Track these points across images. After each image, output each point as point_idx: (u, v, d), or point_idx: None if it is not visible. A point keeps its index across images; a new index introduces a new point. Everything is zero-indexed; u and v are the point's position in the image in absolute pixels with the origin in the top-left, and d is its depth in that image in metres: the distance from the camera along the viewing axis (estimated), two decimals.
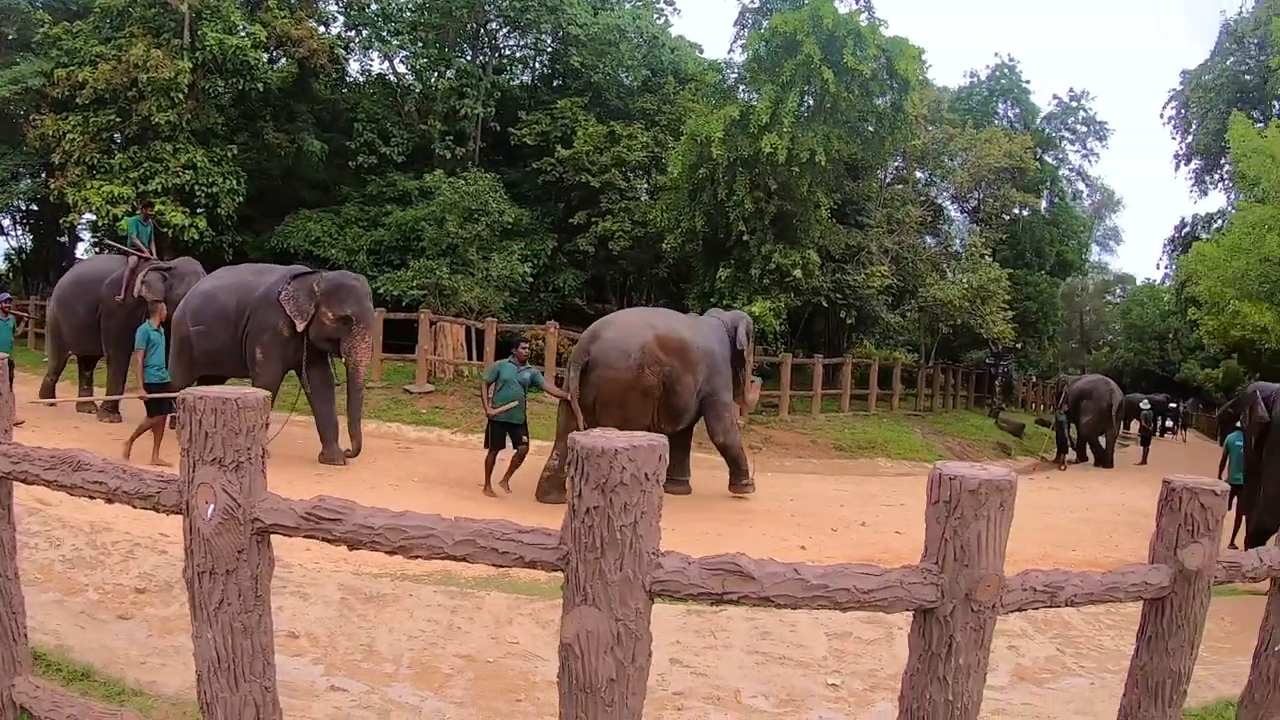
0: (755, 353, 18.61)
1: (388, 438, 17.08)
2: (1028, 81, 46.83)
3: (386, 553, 2.94)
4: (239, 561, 2.97)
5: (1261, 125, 29.62)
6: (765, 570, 2.91)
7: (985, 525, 3.04)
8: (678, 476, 14.81)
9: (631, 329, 14.00)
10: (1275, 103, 36.04)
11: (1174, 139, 44.26)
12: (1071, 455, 28.87)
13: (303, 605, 6.65)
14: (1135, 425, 34.52)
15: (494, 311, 24.63)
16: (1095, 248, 72.70)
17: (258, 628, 3.05)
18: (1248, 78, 38.29)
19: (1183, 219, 46.48)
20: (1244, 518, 12.79)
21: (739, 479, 15.39)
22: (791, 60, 24.35)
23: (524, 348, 14.01)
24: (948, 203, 39.49)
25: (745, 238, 25.62)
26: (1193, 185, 43.62)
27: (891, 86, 26.23)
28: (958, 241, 39.48)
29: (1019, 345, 40.79)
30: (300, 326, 14.06)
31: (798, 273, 25.15)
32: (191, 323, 14.38)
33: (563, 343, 21.83)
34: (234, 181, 27.17)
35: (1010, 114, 46.60)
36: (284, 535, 3.02)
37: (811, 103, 25.48)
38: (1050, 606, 3.54)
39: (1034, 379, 51.10)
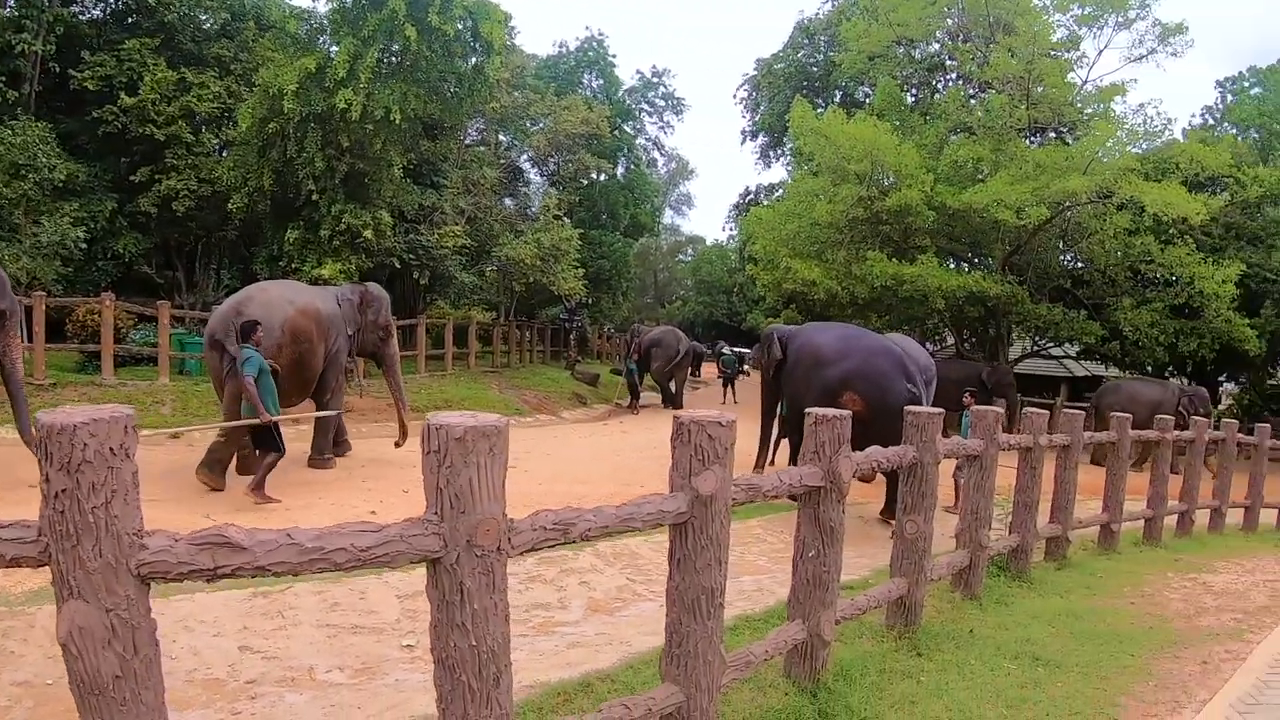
0: None
1: None
2: (614, 56, 48.99)
3: None
4: None
5: (822, 110, 32.58)
6: (256, 539, 2.78)
7: (477, 471, 3.08)
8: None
9: (274, 306, 13.51)
10: (837, 92, 39.68)
11: (744, 116, 47.39)
12: (644, 399, 30.72)
13: None
14: (708, 370, 37.39)
15: (45, 284, 21.70)
16: (669, 211, 77.21)
17: None
18: (814, 69, 41.74)
19: (747, 188, 50.40)
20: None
21: (322, 452, 15.01)
22: (376, 14, 23.44)
23: (259, 330, 12.13)
24: (528, 166, 40.26)
25: (315, 197, 24.54)
26: (758, 158, 47.24)
27: (475, 49, 26.02)
28: (536, 203, 40.56)
29: (593, 301, 42.62)
30: None
31: (369, 234, 24.50)
32: None
33: (120, 316, 19.92)
34: None
35: (595, 85, 48.16)
36: None
37: (395, 60, 24.78)
38: (564, 543, 3.64)
39: (610, 332, 53.05)
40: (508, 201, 35.24)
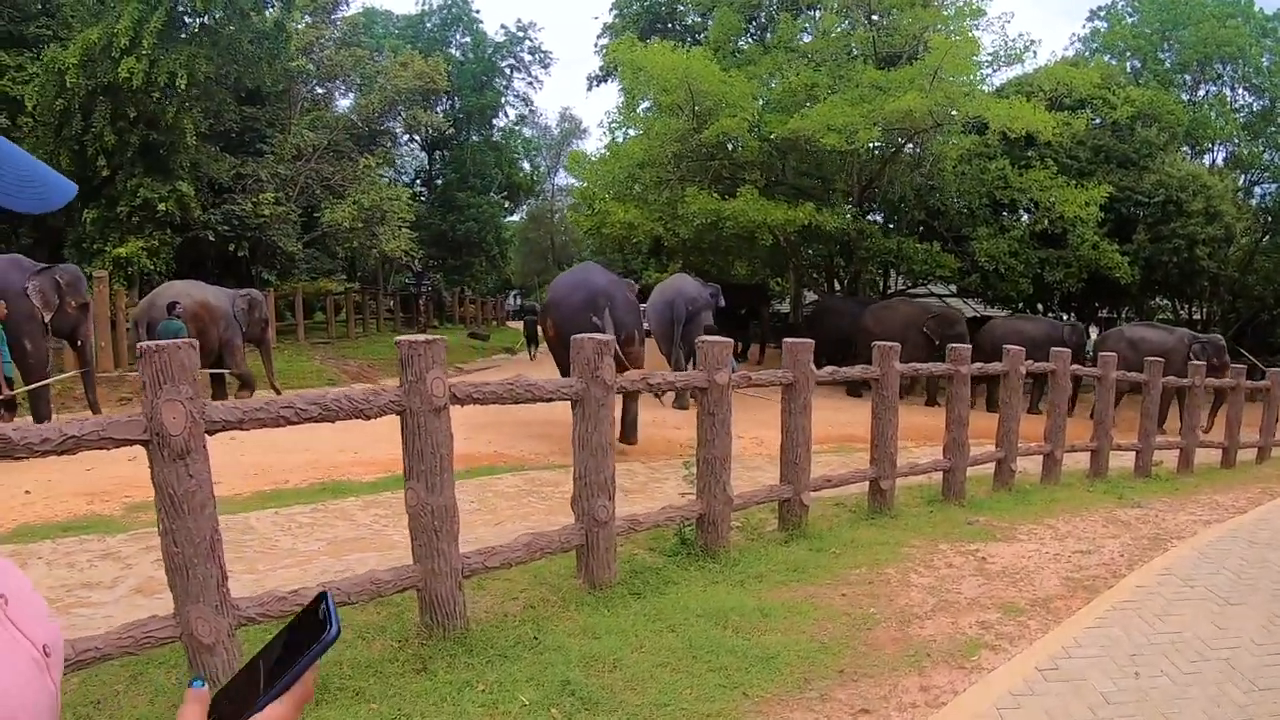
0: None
1: None
2: (478, 11, 47.50)
3: None
4: None
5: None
6: None
7: None
8: None
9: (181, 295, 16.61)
10: (688, 35, 38.25)
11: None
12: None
13: None
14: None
15: None
16: (563, 173, 75.63)
17: None
18: (661, 7, 40.06)
19: (614, 139, 48.48)
20: None
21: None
22: None
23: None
24: (398, 127, 38.65)
25: (108, 173, 23.26)
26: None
27: (272, 3, 24.56)
28: (410, 166, 39.28)
29: (459, 264, 42.30)
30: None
31: (164, 206, 23.08)
32: None
33: None
34: None
35: (463, 42, 46.75)
36: None
37: (193, 22, 23.48)
38: None
39: (503, 296, 52.00)
40: (386, 171, 33.23)
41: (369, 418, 5.07)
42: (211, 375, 17.61)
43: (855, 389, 23.16)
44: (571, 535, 6.23)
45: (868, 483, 9.45)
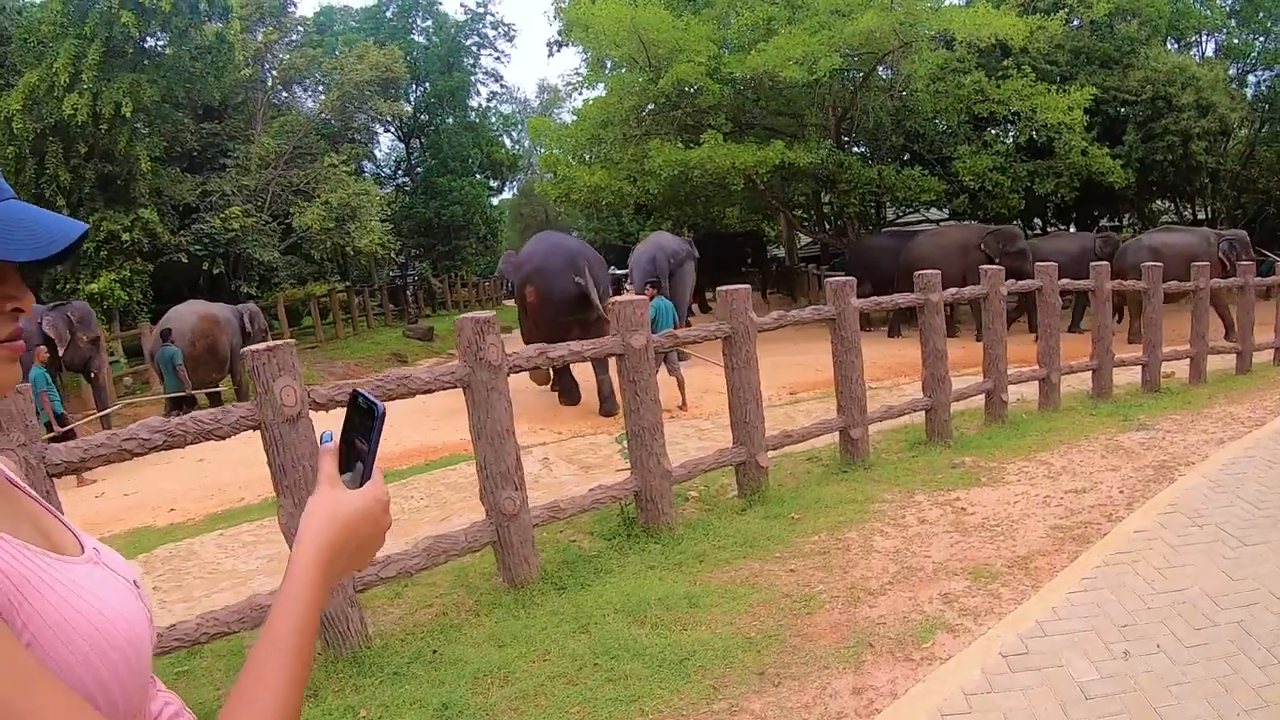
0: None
1: None
2: None
3: None
4: None
5: None
6: None
7: None
8: None
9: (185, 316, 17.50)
10: None
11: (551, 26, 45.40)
12: None
13: None
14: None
15: None
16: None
17: None
18: None
19: (588, 101, 47.90)
20: None
21: None
22: (94, 9, 21.75)
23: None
24: (370, 121, 38.44)
25: (69, 212, 22.38)
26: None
27: (209, 14, 23.98)
28: (393, 158, 38.95)
29: (427, 250, 42.71)
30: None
31: (128, 236, 22.96)
32: None
33: None
34: None
35: (425, 26, 46.31)
36: None
37: (131, 49, 22.91)
38: None
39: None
40: (366, 165, 33.06)
41: (221, 438, 4.72)
42: (209, 395, 17.70)
43: (896, 329, 23.52)
44: (480, 532, 5.75)
45: (838, 433, 8.68)
